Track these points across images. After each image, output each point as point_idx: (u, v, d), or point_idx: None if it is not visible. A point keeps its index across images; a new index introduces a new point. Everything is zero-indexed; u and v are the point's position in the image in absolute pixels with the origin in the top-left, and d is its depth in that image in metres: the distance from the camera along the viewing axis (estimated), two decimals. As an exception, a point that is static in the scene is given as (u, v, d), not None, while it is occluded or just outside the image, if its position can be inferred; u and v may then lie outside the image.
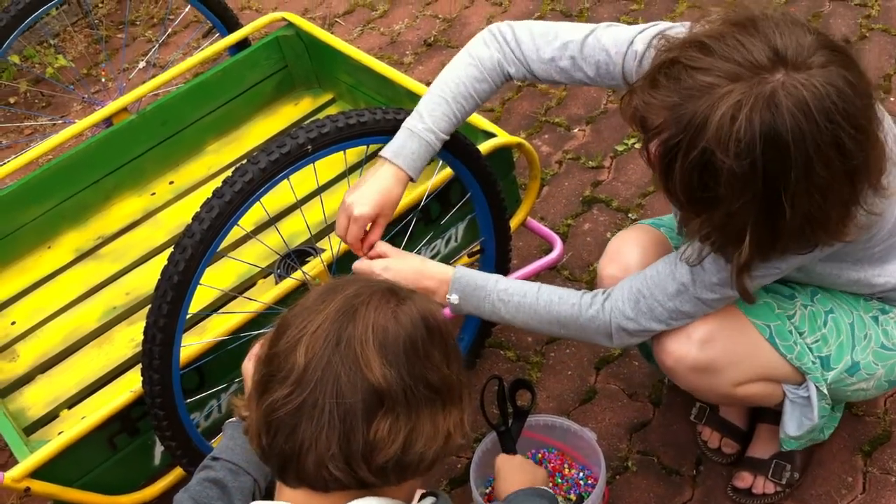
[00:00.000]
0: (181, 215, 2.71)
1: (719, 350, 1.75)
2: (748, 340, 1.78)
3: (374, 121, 1.92)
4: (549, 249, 2.51)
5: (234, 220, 1.84)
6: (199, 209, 1.84)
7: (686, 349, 1.79)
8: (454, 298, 1.87)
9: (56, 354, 2.44)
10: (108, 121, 2.79)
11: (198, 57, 2.84)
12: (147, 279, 2.55)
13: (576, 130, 3.16)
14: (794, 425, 1.87)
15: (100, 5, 4.46)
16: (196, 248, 1.80)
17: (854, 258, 1.75)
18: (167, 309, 1.82)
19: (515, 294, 1.85)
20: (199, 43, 4.06)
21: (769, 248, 1.52)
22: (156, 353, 1.84)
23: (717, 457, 2.18)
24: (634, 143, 3.03)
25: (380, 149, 1.88)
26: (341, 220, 1.85)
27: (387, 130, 1.93)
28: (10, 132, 3.90)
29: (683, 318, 1.77)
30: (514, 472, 1.81)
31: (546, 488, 1.74)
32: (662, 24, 1.74)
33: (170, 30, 4.18)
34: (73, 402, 2.32)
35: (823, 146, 1.39)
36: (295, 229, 2.54)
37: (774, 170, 1.41)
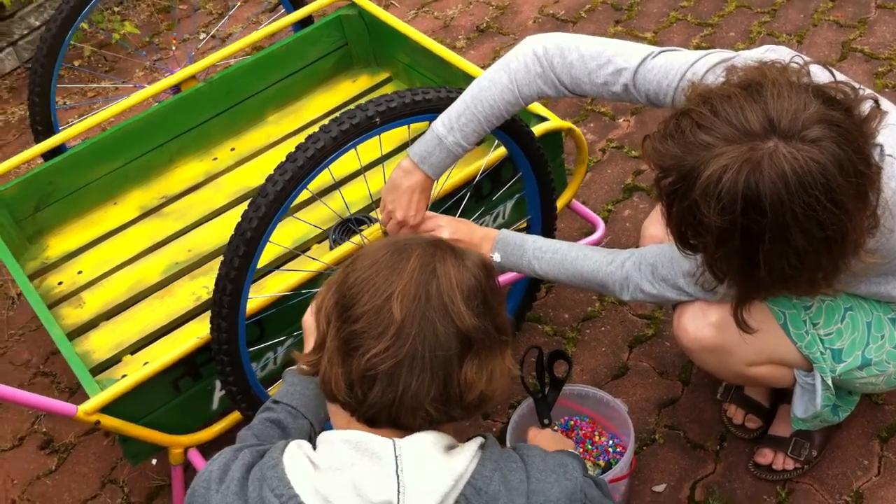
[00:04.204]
0: (241, 180, 2.84)
1: (733, 332, 1.82)
2: (762, 325, 1.86)
3: (438, 98, 2.06)
4: (591, 231, 2.62)
5: (304, 182, 1.97)
6: (272, 171, 1.97)
7: (701, 329, 1.94)
8: (497, 257, 2.08)
9: (120, 303, 2.58)
10: (176, 87, 2.93)
11: (264, 31, 2.97)
12: (208, 238, 2.68)
13: (620, 120, 3.27)
14: (801, 408, 2.01)
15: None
16: (269, 206, 1.94)
17: (875, 273, 1.84)
18: (238, 262, 1.95)
19: (548, 251, 2.06)
20: (259, 18, 4.19)
21: (751, 295, 1.68)
22: (225, 303, 1.98)
23: (741, 432, 2.30)
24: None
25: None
26: (385, 218, 2.04)
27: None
28: (74, 94, 4.05)
29: (688, 296, 1.94)
30: (546, 441, 1.96)
31: (575, 452, 1.87)
32: (715, 55, 1.79)
33: (238, 3, 4.30)
34: (135, 348, 2.45)
35: (799, 215, 1.50)
36: (351, 198, 2.66)
37: (752, 230, 1.53)
